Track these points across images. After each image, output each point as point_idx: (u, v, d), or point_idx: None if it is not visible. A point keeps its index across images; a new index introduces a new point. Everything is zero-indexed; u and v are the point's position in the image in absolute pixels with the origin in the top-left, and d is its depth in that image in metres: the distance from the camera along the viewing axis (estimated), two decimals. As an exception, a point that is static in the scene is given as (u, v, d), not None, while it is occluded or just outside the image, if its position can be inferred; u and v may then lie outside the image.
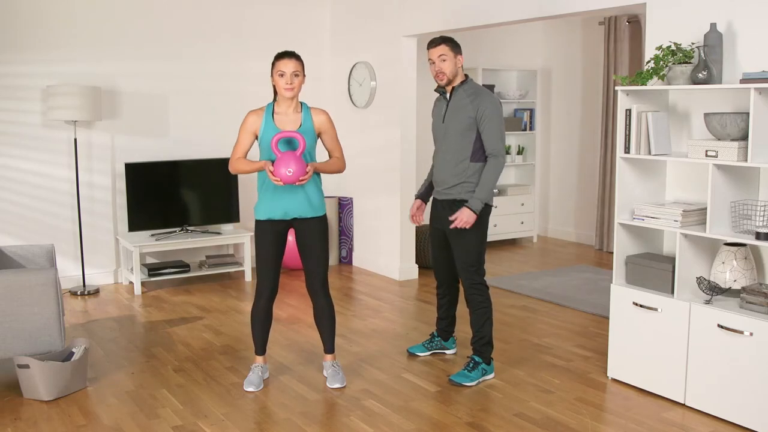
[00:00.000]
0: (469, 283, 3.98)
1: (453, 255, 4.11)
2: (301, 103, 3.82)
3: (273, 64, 3.72)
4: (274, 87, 3.74)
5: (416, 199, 4.26)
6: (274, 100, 3.81)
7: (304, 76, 3.73)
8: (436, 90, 4.05)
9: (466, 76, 3.99)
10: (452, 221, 3.91)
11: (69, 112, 5.56)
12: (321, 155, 5.94)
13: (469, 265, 3.95)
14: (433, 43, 3.92)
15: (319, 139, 3.88)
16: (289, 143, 3.71)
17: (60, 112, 5.57)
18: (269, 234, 3.81)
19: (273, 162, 3.63)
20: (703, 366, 3.55)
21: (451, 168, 3.93)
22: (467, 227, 3.85)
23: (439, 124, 4.01)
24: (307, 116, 3.78)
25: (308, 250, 3.85)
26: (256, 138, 3.78)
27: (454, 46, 3.92)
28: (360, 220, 6.88)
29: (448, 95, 3.98)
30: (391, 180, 6.38)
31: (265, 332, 3.95)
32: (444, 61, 3.89)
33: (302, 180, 3.59)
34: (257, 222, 3.84)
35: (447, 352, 4.40)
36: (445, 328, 4.37)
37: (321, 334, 4.00)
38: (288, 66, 3.67)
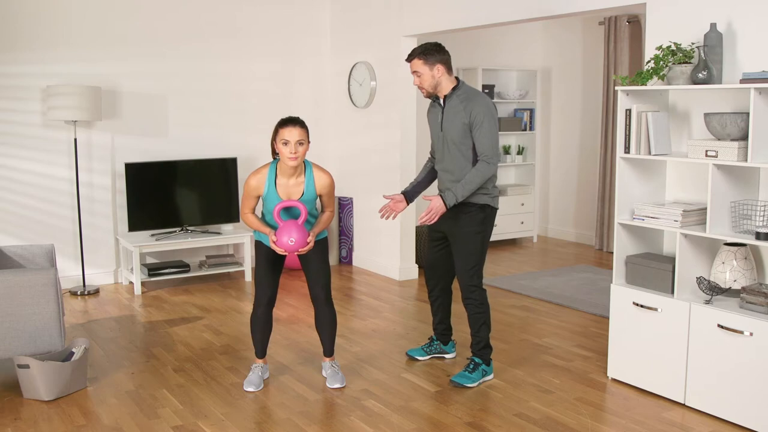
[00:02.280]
0: (467, 285, 3.96)
1: (450, 258, 4.10)
2: (305, 162, 3.74)
3: (276, 130, 3.63)
4: (274, 150, 3.69)
5: (401, 193, 4.12)
6: (276, 158, 3.74)
7: (308, 143, 3.65)
8: (426, 96, 3.99)
9: (458, 79, 3.91)
10: (448, 214, 3.90)
11: (69, 112, 5.56)
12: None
13: (469, 268, 3.94)
14: (409, 57, 3.86)
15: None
16: (291, 210, 3.75)
17: (60, 112, 5.57)
18: (268, 252, 3.84)
19: (276, 230, 3.65)
20: (703, 366, 3.55)
21: (456, 174, 3.88)
22: (434, 219, 3.78)
23: (437, 133, 3.95)
24: (310, 181, 3.72)
25: (310, 268, 3.88)
26: (260, 197, 3.78)
27: (429, 56, 3.81)
28: (360, 220, 6.88)
29: (441, 101, 3.92)
30: (391, 180, 6.38)
31: (265, 338, 3.96)
32: (419, 76, 3.84)
33: (303, 250, 3.62)
34: (256, 241, 3.88)
35: (446, 356, 4.37)
36: (443, 332, 4.33)
37: (321, 338, 4.01)
38: (292, 134, 3.57)
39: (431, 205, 3.79)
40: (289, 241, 3.56)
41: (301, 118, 3.73)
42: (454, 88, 3.87)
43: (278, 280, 3.90)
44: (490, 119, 3.77)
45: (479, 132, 3.77)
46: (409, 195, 4.10)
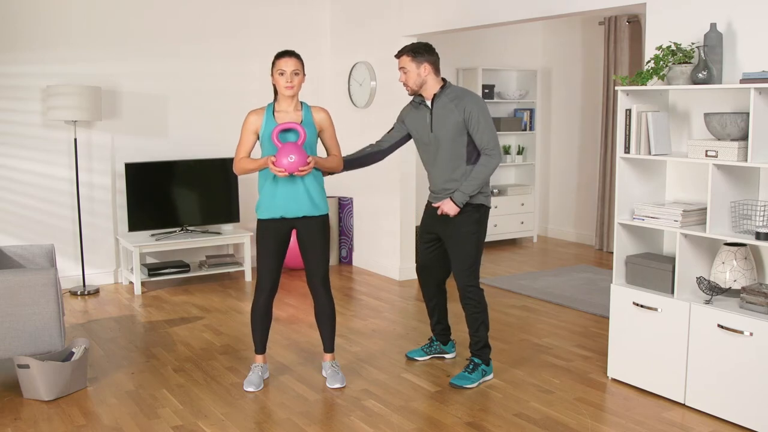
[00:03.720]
0: (464, 286, 3.95)
1: (443, 258, 4.10)
2: (301, 102, 3.83)
3: (273, 63, 3.72)
4: (275, 86, 3.75)
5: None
6: (275, 100, 3.82)
7: (304, 74, 3.74)
8: (414, 97, 3.98)
9: (444, 80, 3.91)
10: (443, 216, 3.91)
11: (69, 112, 5.56)
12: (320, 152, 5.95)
13: (466, 268, 3.93)
14: (398, 53, 3.88)
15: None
16: (290, 135, 3.72)
17: (60, 112, 5.57)
18: (271, 233, 3.81)
19: (275, 155, 3.63)
20: (703, 366, 3.55)
21: (449, 174, 3.88)
22: (453, 214, 3.82)
23: (426, 134, 3.93)
24: (308, 113, 3.79)
25: (309, 248, 3.85)
26: (258, 137, 3.79)
27: (417, 54, 3.82)
28: (360, 220, 6.88)
29: (429, 103, 3.91)
30: (391, 180, 6.38)
31: (265, 330, 3.95)
32: (405, 73, 3.85)
33: (303, 170, 3.58)
34: (259, 221, 3.85)
35: (446, 356, 4.37)
36: (442, 332, 4.32)
37: (321, 332, 4.00)
38: (288, 64, 3.68)
39: (443, 207, 3.82)
40: (288, 159, 3.53)
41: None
42: (441, 89, 3.88)
43: (281, 267, 3.88)
44: (485, 113, 3.81)
45: (477, 127, 3.78)
46: (346, 163, 4.08)
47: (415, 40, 6.19)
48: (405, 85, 3.89)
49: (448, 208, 3.82)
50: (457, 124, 3.80)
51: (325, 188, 3.92)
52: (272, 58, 3.81)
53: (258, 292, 3.88)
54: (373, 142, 4.19)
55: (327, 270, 3.90)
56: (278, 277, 3.88)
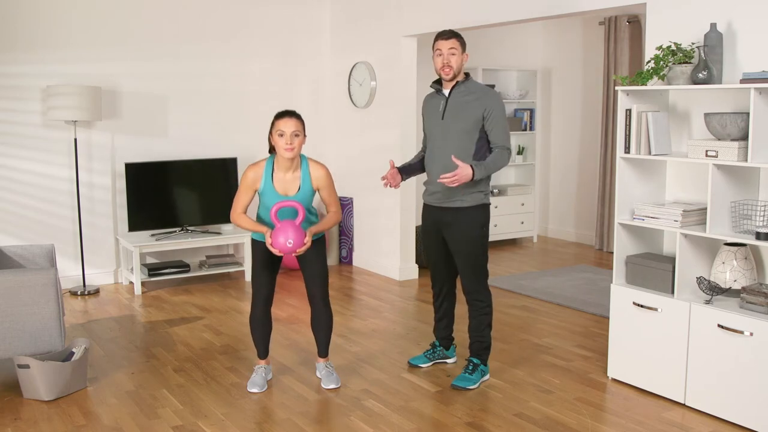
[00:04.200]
0: (474, 288, 3.94)
1: (451, 258, 4.07)
2: (301, 156, 3.76)
3: (272, 123, 3.66)
4: (272, 144, 3.69)
5: (396, 168, 4.03)
6: (272, 153, 3.75)
7: (304, 135, 3.67)
8: (431, 86, 3.97)
9: (467, 74, 3.93)
10: (445, 216, 3.89)
11: (69, 112, 5.56)
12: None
13: (477, 270, 3.92)
14: (444, 35, 3.84)
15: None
16: (289, 210, 3.73)
17: (60, 112, 5.57)
18: (265, 251, 3.83)
19: (272, 230, 3.62)
20: (703, 366, 3.55)
21: (453, 168, 3.84)
22: (456, 184, 3.68)
23: (436, 122, 3.91)
24: (306, 175, 3.73)
25: (308, 269, 3.87)
26: (256, 191, 3.77)
27: (463, 42, 3.87)
28: (360, 220, 6.88)
29: (446, 92, 3.91)
30: (391, 180, 6.37)
31: (266, 337, 3.95)
32: (453, 54, 3.81)
33: (300, 251, 3.59)
34: (252, 239, 3.87)
35: (448, 361, 4.33)
36: (446, 337, 4.28)
37: (316, 338, 4.00)
38: (288, 126, 3.61)
39: (459, 170, 3.67)
40: (287, 243, 3.53)
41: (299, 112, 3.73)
42: (464, 80, 3.89)
43: (275, 278, 3.89)
44: (504, 113, 3.85)
45: (495, 124, 3.80)
46: (402, 171, 4.06)
47: (415, 40, 6.20)
48: (447, 66, 3.82)
49: (464, 172, 3.66)
50: (474, 118, 3.80)
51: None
52: (272, 118, 3.72)
53: (254, 303, 3.90)
54: (421, 150, 4.18)
55: (326, 287, 3.91)
56: (273, 288, 3.89)
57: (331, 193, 3.82)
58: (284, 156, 3.62)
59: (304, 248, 3.59)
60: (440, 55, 3.83)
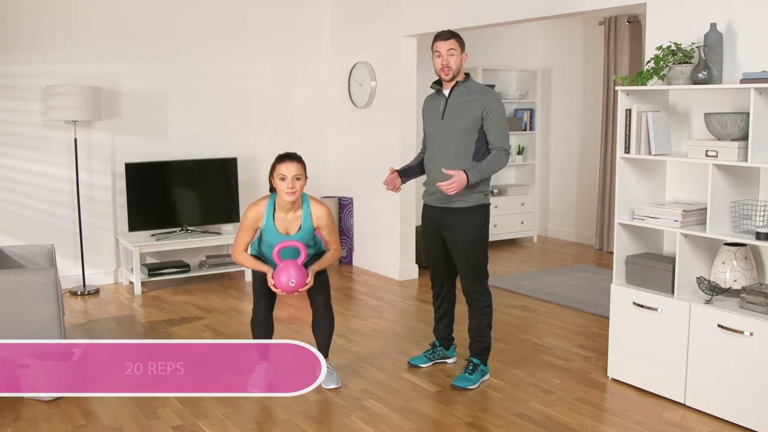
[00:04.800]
0: (475, 288, 3.94)
1: (451, 258, 4.06)
2: (303, 195, 3.75)
3: (273, 166, 3.66)
4: (272, 185, 3.68)
5: (395, 171, 4.03)
6: (273, 192, 3.74)
7: (306, 177, 3.67)
8: (432, 86, 3.97)
9: (467, 74, 3.93)
10: (446, 216, 3.89)
11: (69, 112, 5.56)
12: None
13: (477, 271, 3.92)
14: (443, 36, 3.84)
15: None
16: (291, 250, 3.73)
17: (60, 112, 5.57)
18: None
19: (274, 269, 3.65)
20: (703, 366, 3.55)
21: (452, 167, 3.81)
22: (454, 192, 3.69)
23: (436, 122, 3.91)
24: (307, 215, 3.73)
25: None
26: (258, 230, 3.78)
27: (462, 42, 3.87)
28: (360, 220, 6.88)
29: (446, 92, 3.91)
30: (391, 180, 6.37)
31: (267, 339, 3.97)
32: (452, 55, 3.81)
33: (302, 290, 3.64)
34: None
35: (448, 361, 4.32)
36: (446, 337, 4.27)
37: (316, 339, 4.00)
38: (290, 170, 3.60)
39: (454, 178, 3.68)
40: (289, 282, 3.59)
41: (299, 154, 3.74)
42: (464, 80, 3.89)
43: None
44: (504, 113, 3.86)
45: (493, 124, 3.80)
46: (401, 174, 4.06)
47: (415, 40, 6.20)
48: (446, 66, 3.82)
49: (460, 178, 3.67)
50: (473, 118, 3.80)
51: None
52: (273, 161, 3.72)
53: (255, 309, 3.91)
54: (421, 152, 4.18)
55: (329, 295, 3.93)
56: (274, 296, 3.89)
57: (332, 232, 3.82)
58: (286, 199, 3.63)
59: (306, 287, 3.64)
60: (439, 56, 3.83)
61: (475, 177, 3.75)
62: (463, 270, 3.95)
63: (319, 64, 7.08)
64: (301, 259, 3.63)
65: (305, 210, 3.73)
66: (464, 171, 3.72)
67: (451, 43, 3.83)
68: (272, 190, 3.73)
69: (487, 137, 3.84)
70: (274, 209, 3.71)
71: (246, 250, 3.81)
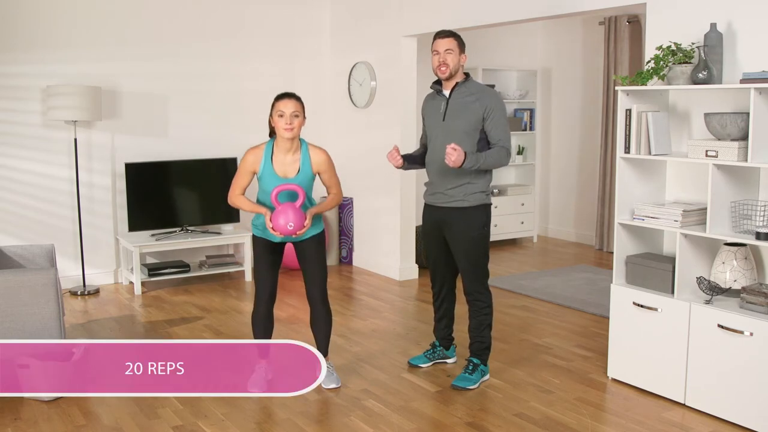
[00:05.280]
0: (475, 288, 3.94)
1: (452, 257, 4.06)
2: (301, 140, 3.78)
3: (273, 104, 3.70)
4: (272, 127, 3.71)
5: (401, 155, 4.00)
6: (273, 137, 3.77)
7: (304, 117, 3.71)
8: (432, 87, 3.96)
9: (467, 74, 3.93)
10: (447, 217, 3.89)
11: (69, 112, 5.56)
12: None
13: (478, 270, 3.92)
14: (442, 34, 3.85)
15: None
16: (289, 194, 3.72)
17: (60, 112, 5.57)
18: (267, 248, 3.84)
19: (272, 211, 3.63)
20: (703, 366, 3.55)
21: (452, 171, 3.82)
22: (448, 160, 3.65)
23: (437, 123, 3.92)
24: (306, 158, 3.74)
25: (307, 265, 3.88)
26: (255, 174, 3.78)
27: (461, 42, 3.86)
28: (360, 220, 6.88)
29: (447, 93, 3.91)
30: (391, 180, 6.38)
31: (267, 337, 3.96)
32: (450, 54, 3.81)
33: (301, 232, 3.61)
34: (254, 236, 3.86)
35: (448, 361, 4.32)
36: (446, 337, 4.27)
37: (316, 337, 4.00)
38: (288, 106, 3.65)
39: (457, 152, 3.63)
40: (287, 225, 3.54)
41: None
42: (464, 80, 3.88)
43: (277, 274, 3.90)
44: (504, 112, 3.86)
45: (494, 123, 3.80)
46: (404, 158, 4.02)
47: (415, 40, 6.20)
48: (443, 65, 3.82)
49: (458, 156, 3.64)
50: (475, 118, 3.80)
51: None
52: (272, 100, 3.76)
53: (257, 301, 3.90)
54: (421, 146, 4.17)
55: (325, 286, 3.92)
56: (275, 285, 3.90)
57: (332, 176, 3.84)
58: (284, 136, 3.65)
59: (304, 230, 3.61)
60: (437, 54, 3.84)
61: (471, 162, 3.72)
62: (463, 270, 3.95)
63: (319, 64, 7.08)
64: (299, 202, 3.60)
65: (304, 154, 3.74)
66: (464, 152, 3.70)
67: (449, 41, 3.83)
68: (272, 135, 3.76)
69: (489, 136, 3.84)
70: (273, 152, 3.73)
71: (243, 195, 3.80)
